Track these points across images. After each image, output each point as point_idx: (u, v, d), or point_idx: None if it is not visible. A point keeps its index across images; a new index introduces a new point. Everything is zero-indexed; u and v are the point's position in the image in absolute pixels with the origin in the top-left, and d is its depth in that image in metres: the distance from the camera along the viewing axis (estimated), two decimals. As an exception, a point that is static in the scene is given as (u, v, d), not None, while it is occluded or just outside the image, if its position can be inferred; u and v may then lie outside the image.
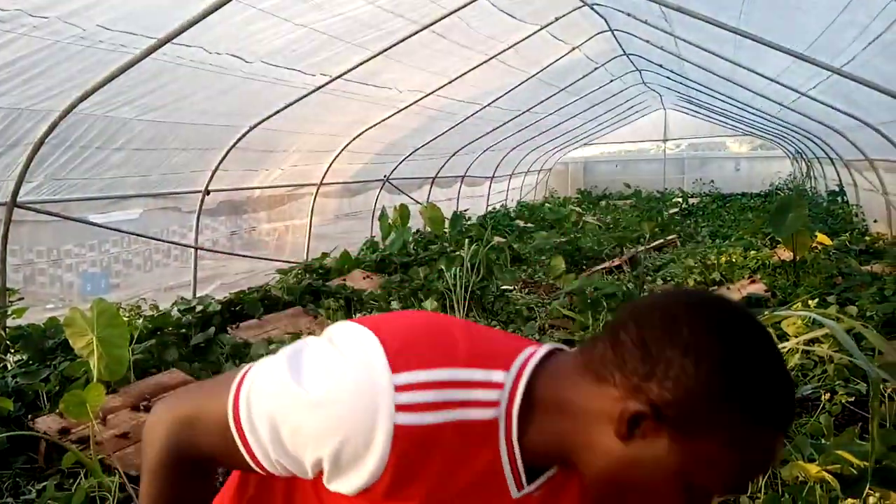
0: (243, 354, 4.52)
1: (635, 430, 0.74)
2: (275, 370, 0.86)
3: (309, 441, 0.80)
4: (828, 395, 3.28)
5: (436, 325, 0.85)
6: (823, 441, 2.79)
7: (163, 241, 5.86)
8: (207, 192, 5.90)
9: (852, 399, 3.39)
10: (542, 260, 8.15)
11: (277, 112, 5.59)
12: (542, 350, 0.84)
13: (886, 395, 3.21)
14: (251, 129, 5.67)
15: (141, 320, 4.75)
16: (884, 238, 7.41)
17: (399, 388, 0.77)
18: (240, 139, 5.72)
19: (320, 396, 0.79)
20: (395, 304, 5.80)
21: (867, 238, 7.68)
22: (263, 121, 5.65)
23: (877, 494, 2.06)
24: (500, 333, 0.91)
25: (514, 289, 6.74)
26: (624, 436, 0.74)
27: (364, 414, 0.77)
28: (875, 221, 8.20)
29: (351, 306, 5.75)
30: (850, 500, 2.11)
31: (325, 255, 7.14)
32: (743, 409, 0.71)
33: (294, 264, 6.77)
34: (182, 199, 5.93)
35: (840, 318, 2.71)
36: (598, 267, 7.68)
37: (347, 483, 0.80)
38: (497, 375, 0.80)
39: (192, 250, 5.98)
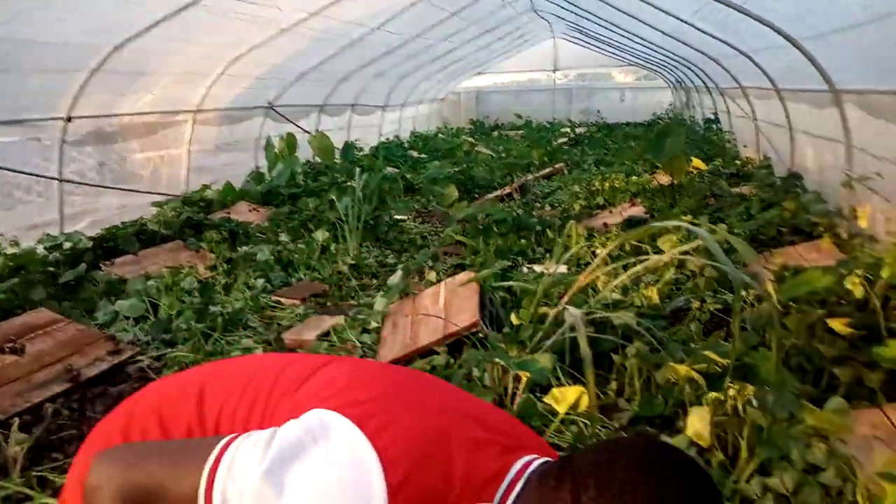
0: (119, 291, 4.27)
1: None
2: (255, 483, 0.82)
3: None
4: (698, 305, 3.51)
5: (437, 438, 0.86)
6: (693, 345, 2.99)
7: (20, 172, 5.34)
8: (69, 120, 5.40)
9: (719, 307, 3.65)
10: (435, 189, 8.14)
11: (145, 30, 5.14)
12: (526, 474, 0.87)
13: (749, 301, 3.47)
14: (115, 49, 5.20)
15: (1, 259, 4.36)
16: (752, 162, 7.91)
17: None
18: (103, 61, 5.23)
19: None
20: (283, 237, 5.64)
21: (738, 162, 8.17)
22: (129, 40, 5.18)
23: (736, 387, 2.23)
24: (496, 431, 0.92)
25: (408, 218, 6.71)
26: None
27: None
28: (745, 147, 8.73)
29: (236, 239, 5.54)
30: (713, 393, 2.27)
31: (205, 187, 6.78)
32: None
33: (172, 197, 6.40)
34: (42, 129, 5.40)
35: (713, 230, 2.87)
36: (490, 195, 7.77)
37: None
38: None
39: (57, 185, 5.50)
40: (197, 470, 0.86)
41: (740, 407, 2.28)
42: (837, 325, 2.82)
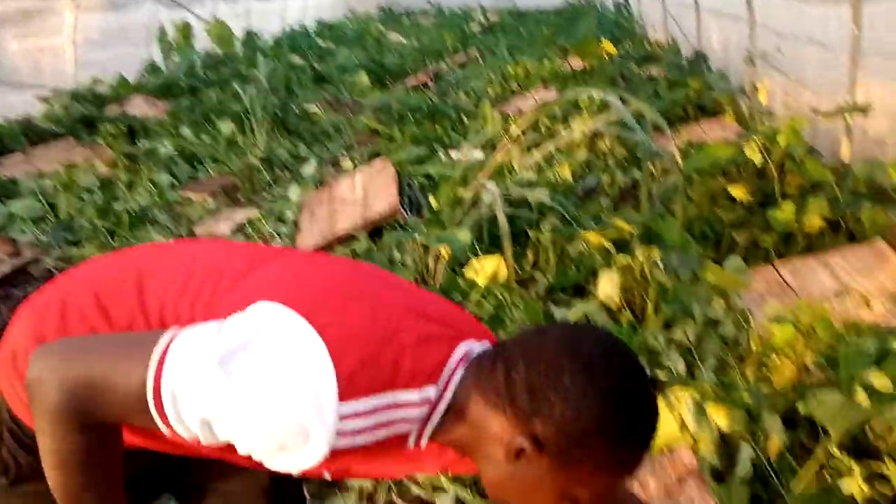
0: (11, 192, 3.98)
1: (521, 456, 0.86)
2: (206, 373, 0.82)
3: (244, 442, 0.85)
4: (609, 180, 3.61)
5: (386, 332, 0.87)
6: (603, 218, 3.11)
7: None
8: (-74, 4, 4.80)
9: (629, 183, 3.77)
10: (346, 78, 7.86)
11: None
12: (467, 361, 0.91)
13: (657, 176, 3.60)
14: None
15: None
16: (661, 45, 8.00)
17: (343, 418, 0.82)
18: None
19: (261, 414, 0.81)
20: (186, 131, 5.34)
21: (647, 45, 8.25)
22: None
23: (643, 251, 2.35)
24: (442, 323, 0.95)
25: (319, 109, 6.48)
26: (511, 459, 0.86)
27: (304, 435, 0.82)
28: (654, 29, 8.79)
29: (135, 135, 5.21)
30: (621, 256, 2.38)
31: (96, 80, 6.28)
32: (614, 445, 0.85)
33: (59, 92, 5.89)
34: None
35: (624, 101, 2.91)
36: (404, 83, 7.58)
37: (270, 464, 0.88)
38: (429, 392, 0.87)
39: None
40: (144, 362, 0.84)
41: (647, 270, 2.41)
42: (737, 191, 2.98)
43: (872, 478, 1.44)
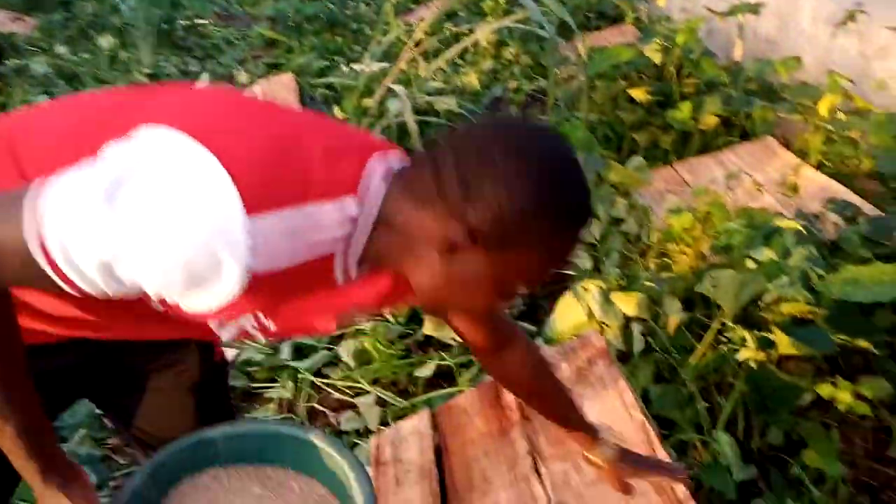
0: None
1: (455, 251, 0.81)
2: (91, 210, 0.72)
3: (151, 281, 0.76)
4: (514, 86, 3.60)
5: (289, 144, 0.81)
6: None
7: None
8: None
9: (535, 90, 3.78)
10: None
11: None
12: (390, 175, 0.85)
13: (562, 81, 3.62)
14: None
15: None
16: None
17: (254, 234, 0.74)
18: None
19: (161, 243, 0.73)
20: (60, 48, 4.89)
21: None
22: None
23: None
24: (351, 137, 0.91)
25: (209, 22, 6.07)
26: (446, 257, 0.82)
27: (213, 259, 0.74)
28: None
29: (2, 54, 4.73)
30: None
31: (-52, -8, 5.61)
32: (550, 224, 0.81)
33: None
34: None
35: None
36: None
37: (187, 304, 0.80)
38: (349, 206, 0.81)
39: None
40: (19, 212, 0.74)
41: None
42: (638, 93, 3.04)
43: (763, 345, 1.56)
